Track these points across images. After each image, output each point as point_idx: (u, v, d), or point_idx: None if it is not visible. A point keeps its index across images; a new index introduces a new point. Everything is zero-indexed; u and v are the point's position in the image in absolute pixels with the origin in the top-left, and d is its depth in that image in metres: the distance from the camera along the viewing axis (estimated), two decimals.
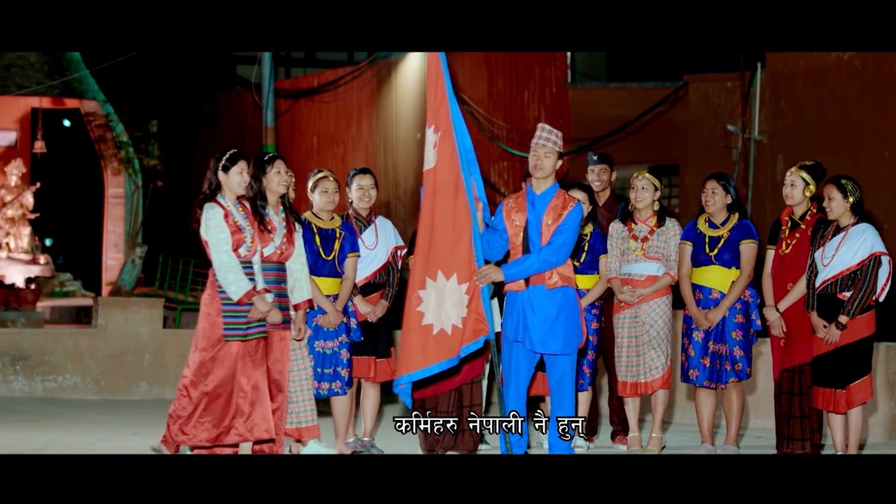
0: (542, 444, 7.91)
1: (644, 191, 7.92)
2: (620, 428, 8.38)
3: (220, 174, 6.69)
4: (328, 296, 7.35)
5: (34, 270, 24.69)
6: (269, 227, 6.83)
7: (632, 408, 7.97)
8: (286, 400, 6.89)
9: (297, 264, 6.99)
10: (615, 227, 8.00)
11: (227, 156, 6.68)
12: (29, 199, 25.11)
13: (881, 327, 7.43)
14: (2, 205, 24.92)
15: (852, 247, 7.20)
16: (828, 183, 7.34)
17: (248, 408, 6.63)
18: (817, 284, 7.31)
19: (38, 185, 25.19)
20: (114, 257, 25.93)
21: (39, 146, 24.44)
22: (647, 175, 7.96)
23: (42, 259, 25.30)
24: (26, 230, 25.24)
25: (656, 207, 7.97)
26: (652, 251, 7.87)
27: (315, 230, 7.41)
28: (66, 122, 26.67)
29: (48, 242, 28.32)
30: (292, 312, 6.94)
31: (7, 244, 24.95)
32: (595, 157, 8.69)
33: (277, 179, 6.92)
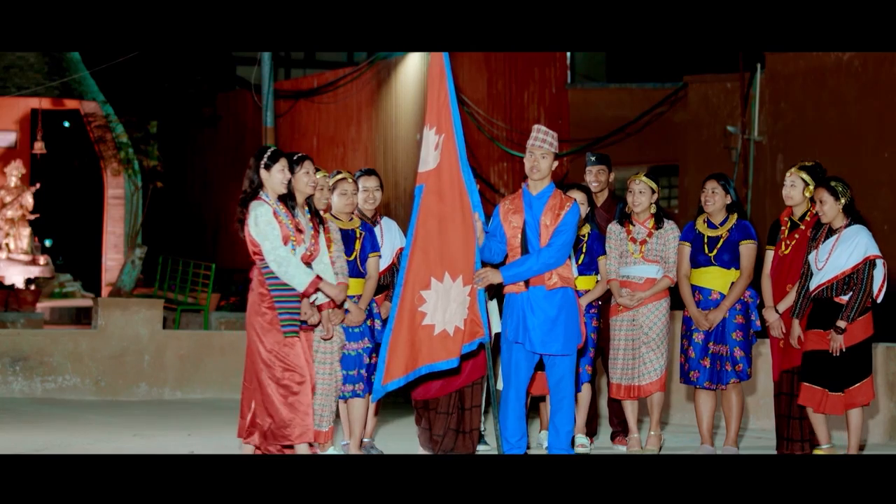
0: (541, 445, 7.91)
1: (641, 194, 7.90)
2: (620, 429, 8.38)
3: (263, 172, 6.62)
4: (351, 296, 7.35)
5: (34, 271, 24.64)
6: (299, 228, 6.82)
7: (630, 409, 7.96)
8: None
9: (319, 265, 6.97)
10: (613, 229, 7.99)
11: (269, 154, 6.63)
12: (28, 199, 25.05)
13: (880, 328, 7.42)
14: (1, 206, 24.90)
15: (846, 250, 7.18)
16: (817, 187, 7.31)
17: None
18: (812, 288, 7.29)
19: (38, 185, 25.15)
20: (113, 258, 25.87)
21: (39, 147, 24.39)
22: (644, 178, 7.93)
23: (42, 260, 25.25)
24: (26, 231, 25.18)
25: (654, 210, 7.96)
26: (650, 254, 7.85)
27: None
28: (66, 123, 26.65)
29: (48, 243, 28.26)
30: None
31: (7, 245, 24.92)
32: (593, 158, 8.67)
33: (306, 180, 6.86)
